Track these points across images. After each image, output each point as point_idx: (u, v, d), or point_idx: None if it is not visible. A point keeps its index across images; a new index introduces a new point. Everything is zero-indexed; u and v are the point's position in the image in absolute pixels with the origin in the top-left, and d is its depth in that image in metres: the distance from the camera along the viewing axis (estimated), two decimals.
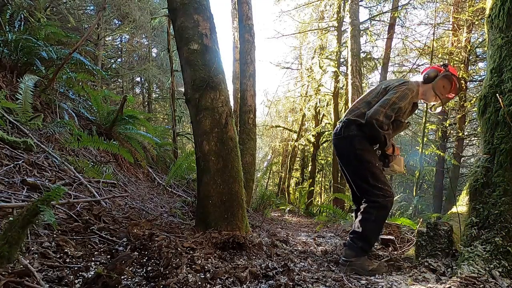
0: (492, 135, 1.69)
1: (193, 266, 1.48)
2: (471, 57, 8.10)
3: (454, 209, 2.61)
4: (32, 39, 3.45)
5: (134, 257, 1.45)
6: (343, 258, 1.95)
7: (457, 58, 8.12)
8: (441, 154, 7.89)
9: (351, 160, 2.12)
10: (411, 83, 2.11)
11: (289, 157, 11.82)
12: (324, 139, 11.16)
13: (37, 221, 1.43)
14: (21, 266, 1.10)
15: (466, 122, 8.74)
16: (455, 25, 8.19)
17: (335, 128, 2.23)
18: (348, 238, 2.05)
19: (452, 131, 9.31)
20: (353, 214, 2.56)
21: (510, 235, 1.53)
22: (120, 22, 9.64)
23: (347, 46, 7.28)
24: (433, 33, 6.52)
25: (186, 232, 2.12)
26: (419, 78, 2.24)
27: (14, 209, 1.58)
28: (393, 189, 2.17)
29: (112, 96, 5.30)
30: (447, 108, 8.35)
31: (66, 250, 1.38)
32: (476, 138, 9.57)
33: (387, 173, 2.33)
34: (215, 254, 1.77)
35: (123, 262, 1.21)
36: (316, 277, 1.65)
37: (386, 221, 3.35)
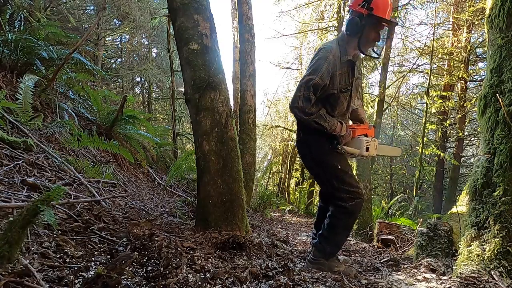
0: (492, 135, 1.69)
1: (193, 266, 1.48)
2: (471, 57, 8.11)
3: (454, 209, 2.62)
4: (32, 39, 3.45)
5: (134, 257, 1.45)
6: (312, 257, 1.95)
7: (457, 58, 8.12)
8: (441, 154, 7.89)
9: (312, 165, 2.00)
10: (325, 48, 1.82)
11: (289, 157, 11.80)
12: None
13: (37, 221, 1.43)
14: (21, 266, 1.10)
15: (466, 122, 8.74)
16: (455, 25, 8.19)
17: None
18: (317, 239, 2.00)
19: (452, 131, 9.30)
20: None
21: (510, 235, 1.53)
22: (120, 22, 9.63)
23: None
24: (433, 33, 6.53)
25: (186, 232, 2.12)
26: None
27: (14, 209, 1.58)
28: (362, 189, 1.96)
29: (112, 96, 5.30)
30: (447, 108, 8.34)
31: (66, 250, 1.38)
32: (476, 138, 9.57)
33: (348, 156, 1.98)
34: (215, 254, 1.77)
35: (123, 262, 1.21)
36: (316, 277, 1.65)
37: (386, 221, 3.37)
